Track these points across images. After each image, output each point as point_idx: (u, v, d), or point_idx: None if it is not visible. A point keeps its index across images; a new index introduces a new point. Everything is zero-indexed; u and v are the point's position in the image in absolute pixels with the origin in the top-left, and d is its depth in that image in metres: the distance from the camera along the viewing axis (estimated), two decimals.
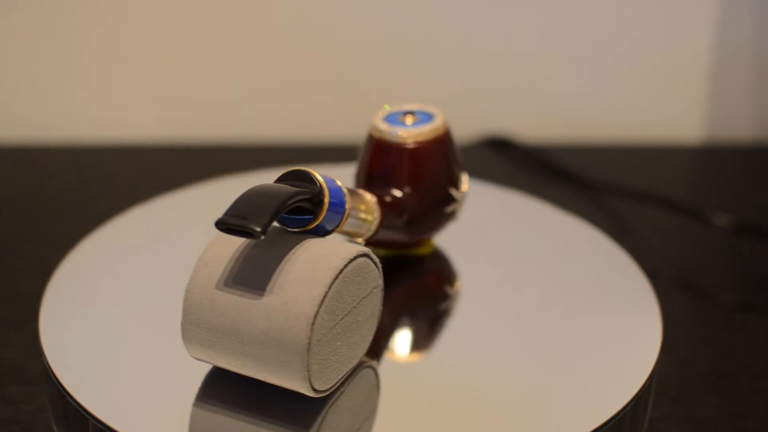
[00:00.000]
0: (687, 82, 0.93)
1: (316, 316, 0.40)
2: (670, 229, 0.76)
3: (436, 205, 0.53)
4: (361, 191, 0.48)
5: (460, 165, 0.54)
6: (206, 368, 0.44)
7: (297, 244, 0.42)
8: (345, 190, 0.45)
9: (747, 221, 0.74)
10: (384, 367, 0.47)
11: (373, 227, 0.48)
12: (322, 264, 0.41)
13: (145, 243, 0.57)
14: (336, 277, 0.41)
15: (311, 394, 0.41)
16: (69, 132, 0.89)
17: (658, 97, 0.93)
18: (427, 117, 0.53)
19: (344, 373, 0.43)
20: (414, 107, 0.54)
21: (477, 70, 0.91)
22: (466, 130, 0.93)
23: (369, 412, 0.44)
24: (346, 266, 0.41)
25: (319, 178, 0.43)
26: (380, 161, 0.52)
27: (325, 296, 0.40)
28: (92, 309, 0.50)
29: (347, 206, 0.44)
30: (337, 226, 0.44)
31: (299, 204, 0.42)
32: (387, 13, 0.88)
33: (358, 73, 0.90)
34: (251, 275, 0.41)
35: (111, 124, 0.90)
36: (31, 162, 0.85)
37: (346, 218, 0.45)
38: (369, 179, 0.53)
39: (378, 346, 0.48)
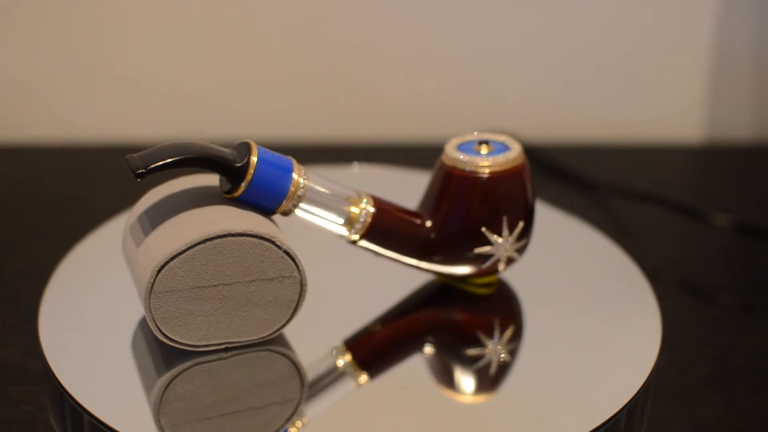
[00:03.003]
0: (687, 82, 0.93)
1: (164, 266, 0.43)
2: (670, 229, 0.76)
3: (461, 240, 0.49)
4: (353, 190, 0.48)
5: (517, 212, 0.49)
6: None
7: (212, 205, 0.45)
8: (299, 179, 0.46)
9: (747, 221, 0.74)
10: (373, 382, 0.47)
11: (358, 229, 0.48)
12: (199, 227, 0.44)
13: None
14: (201, 242, 0.43)
15: (162, 338, 0.45)
16: (69, 132, 0.89)
17: (658, 97, 0.93)
18: (502, 149, 0.50)
19: (223, 341, 0.46)
20: (494, 137, 0.51)
21: (477, 70, 0.91)
22: (466, 130, 0.92)
23: (281, 399, 0.45)
24: (220, 237, 0.43)
25: (253, 156, 0.44)
26: (433, 181, 0.51)
27: (180, 253, 0.43)
28: (92, 309, 0.50)
29: (291, 191, 0.45)
30: (279, 208, 0.46)
31: (216, 171, 0.44)
32: (387, 13, 0.88)
33: (358, 73, 0.90)
34: (160, 217, 0.45)
35: (111, 124, 0.90)
36: (31, 162, 0.85)
37: (290, 204, 0.46)
38: (424, 197, 0.51)
39: (362, 353, 0.49)
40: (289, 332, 0.48)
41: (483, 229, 0.49)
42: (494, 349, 0.48)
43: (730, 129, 0.94)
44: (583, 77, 0.92)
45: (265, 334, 0.47)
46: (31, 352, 0.56)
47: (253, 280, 0.45)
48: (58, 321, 0.49)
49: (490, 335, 0.50)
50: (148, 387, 0.45)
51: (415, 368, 0.48)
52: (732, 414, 0.55)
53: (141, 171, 0.42)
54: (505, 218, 0.49)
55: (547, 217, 0.62)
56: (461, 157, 0.49)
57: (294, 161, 0.46)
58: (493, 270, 0.50)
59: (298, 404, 0.44)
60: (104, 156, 0.87)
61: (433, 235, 0.49)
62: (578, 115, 0.93)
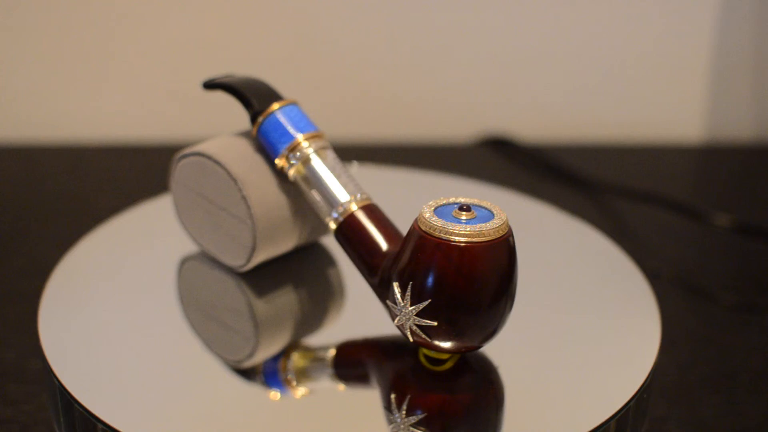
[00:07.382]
0: (687, 82, 0.93)
1: (182, 158, 0.51)
2: (670, 229, 0.76)
3: (383, 278, 0.45)
4: (361, 190, 0.48)
5: (427, 283, 0.41)
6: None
7: (242, 138, 0.51)
8: (302, 143, 0.48)
9: (747, 221, 0.74)
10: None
11: (334, 220, 0.47)
12: (209, 144, 0.50)
13: (144, 243, 0.57)
14: (195, 154, 0.50)
15: (177, 217, 0.53)
16: (69, 132, 0.89)
17: (658, 97, 0.93)
18: (484, 217, 0.43)
19: (209, 247, 0.52)
20: (469, 201, 0.44)
21: (477, 71, 0.91)
22: (466, 130, 0.93)
23: (241, 335, 0.48)
24: (204, 156, 0.50)
25: (275, 106, 0.50)
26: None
27: (187, 156, 0.51)
28: (92, 308, 0.50)
29: (287, 147, 0.48)
30: (276, 158, 0.49)
31: (246, 108, 0.50)
32: (388, 14, 0.88)
33: (358, 73, 0.90)
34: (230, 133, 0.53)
35: (111, 124, 0.90)
36: (31, 162, 0.85)
37: (287, 164, 0.48)
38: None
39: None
40: (300, 317, 0.48)
41: (394, 282, 0.43)
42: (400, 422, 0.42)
43: (730, 129, 0.94)
44: (583, 77, 0.92)
45: (233, 264, 0.51)
46: (31, 352, 0.56)
47: (224, 209, 0.49)
48: (58, 321, 0.49)
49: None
50: (148, 387, 0.45)
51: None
52: (732, 414, 0.55)
53: (203, 85, 0.52)
54: (411, 283, 0.42)
55: (547, 217, 0.62)
56: (424, 210, 0.43)
57: (317, 132, 0.49)
58: (404, 333, 0.43)
59: (254, 349, 0.47)
60: (104, 156, 0.87)
61: (376, 268, 0.45)
62: (578, 116, 0.93)
